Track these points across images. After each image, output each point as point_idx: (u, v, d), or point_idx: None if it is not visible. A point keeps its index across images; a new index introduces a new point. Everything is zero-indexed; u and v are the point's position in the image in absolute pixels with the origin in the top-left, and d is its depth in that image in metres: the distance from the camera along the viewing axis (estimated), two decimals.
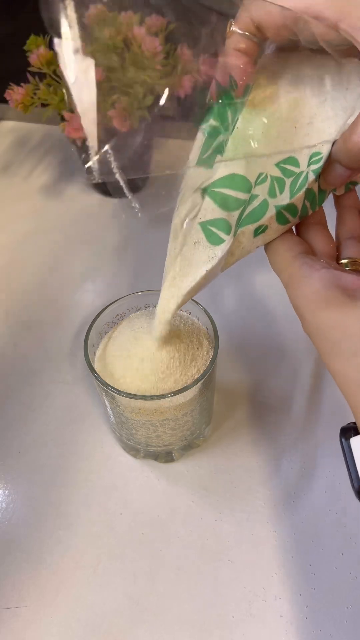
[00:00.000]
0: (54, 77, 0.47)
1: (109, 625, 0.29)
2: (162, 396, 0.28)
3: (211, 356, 0.31)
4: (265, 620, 0.29)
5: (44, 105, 0.47)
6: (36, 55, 0.46)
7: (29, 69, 0.46)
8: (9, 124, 0.66)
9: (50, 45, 0.46)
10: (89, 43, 0.46)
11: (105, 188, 0.55)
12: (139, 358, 0.30)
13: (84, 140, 0.47)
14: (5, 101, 0.48)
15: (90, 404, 0.38)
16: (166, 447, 0.34)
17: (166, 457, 0.35)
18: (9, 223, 0.53)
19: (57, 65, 0.46)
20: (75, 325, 0.43)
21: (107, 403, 0.32)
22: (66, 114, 0.45)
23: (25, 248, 0.51)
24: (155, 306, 0.28)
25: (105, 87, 0.46)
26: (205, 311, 0.32)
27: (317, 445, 0.36)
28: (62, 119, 0.47)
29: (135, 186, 0.55)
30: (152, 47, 0.44)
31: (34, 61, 0.46)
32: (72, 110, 0.46)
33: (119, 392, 0.28)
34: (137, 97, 0.46)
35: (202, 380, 0.29)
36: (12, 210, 0.55)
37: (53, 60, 0.46)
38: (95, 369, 0.30)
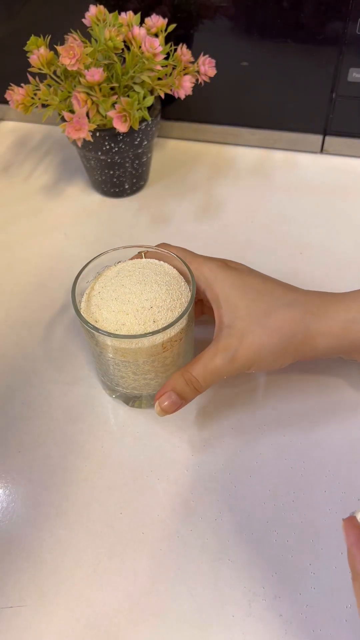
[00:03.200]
0: (54, 77, 0.47)
1: (109, 624, 0.29)
2: (150, 333, 0.31)
3: (187, 305, 0.33)
4: (265, 619, 0.29)
5: (44, 105, 0.48)
6: (36, 55, 0.46)
7: (29, 69, 0.46)
8: (9, 125, 0.66)
9: (51, 46, 0.46)
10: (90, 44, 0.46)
11: (106, 188, 0.55)
12: (124, 302, 0.33)
13: (84, 140, 0.47)
14: (5, 102, 0.49)
15: (90, 404, 0.38)
16: (133, 389, 0.37)
17: (135, 400, 0.38)
18: (9, 223, 0.53)
19: (58, 66, 0.47)
20: (75, 326, 0.43)
21: (94, 350, 0.35)
22: (66, 115, 0.45)
23: (25, 248, 0.51)
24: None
25: (105, 88, 0.46)
26: (183, 261, 0.35)
27: (318, 445, 0.36)
28: (63, 119, 0.47)
29: (137, 186, 0.55)
30: (152, 47, 0.44)
31: (34, 61, 0.46)
32: (72, 110, 0.46)
33: (108, 333, 0.31)
34: (137, 98, 0.46)
35: (185, 316, 0.32)
36: (12, 210, 0.55)
37: (53, 60, 0.46)
38: (82, 314, 0.33)
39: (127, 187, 0.55)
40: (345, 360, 0.38)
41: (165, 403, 0.33)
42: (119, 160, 0.51)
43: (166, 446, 0.36)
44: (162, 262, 0.37)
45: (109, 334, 0.31)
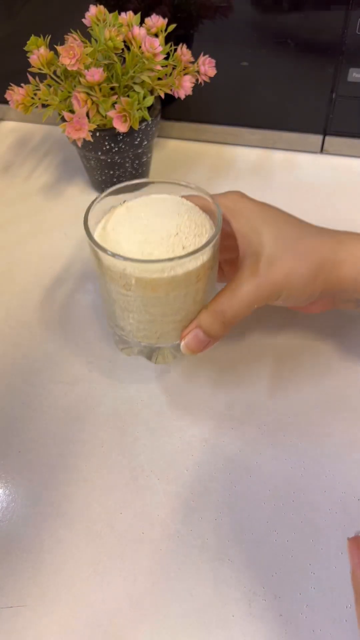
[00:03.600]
0: (54, 77, 0.47)
1: (109, 624, 0.29)
2: (170, 259, 0.28)
3: (217, 224, 0.31)
4: (265, 619, 0.29)
5: (44, 105, 0.48)
6: (36, 55, 0.46)
7: (30, 69, 0.46)
8: (9, 125, 0.66)
9: (51, 46, 0.46)
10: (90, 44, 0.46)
11: (106, 188, 0.55)
12: (146, 232, 0.30)
13: (84, 140, 0.47)
14: (5, 102, 0.49)
15: (90, 404, 0.38)
16: (159, 339, 0.34)
17: (159, 354, 0.35)
18: (9, 223, 0.53)
19: (58, 66, 0.47)
20: (75, 325, 0.43)
21: (116, 296, 0.31)
22: (66, 115, 0.45)
23: (25, 248, 0.51)
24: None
25: (105, 88, 0.46)
26: (202, 190, 0.33)
27: (318, 444, 0.36)
28: (63, 119, 0.47)
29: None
30: (152, 47, 0.44)
31: (34, 61, 0.46)
32: (72, 110, 0.46)
33: (140, 260, 0.28)
34: (137, 98, 0.46)
35: (211, 244, 0.29)
36: (12, 211, 0.55)
37: (53, 60, 0.46)
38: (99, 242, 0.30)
39: None
40: (346, 360, 0.38)
41: (191, 341, 0.32)
42: (119, 160, 0.51)
43: (166, 446, 0.36)
44: (173, 195, 0.34)
45: (140, 261, 0.28)
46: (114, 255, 0.29)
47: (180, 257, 0.28)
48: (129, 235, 0.30)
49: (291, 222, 0.33)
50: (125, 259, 0.28)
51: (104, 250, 0.29)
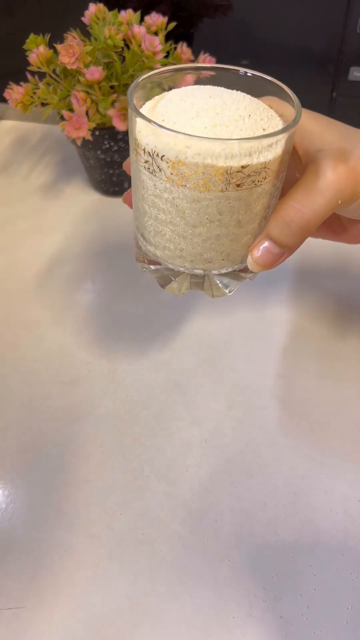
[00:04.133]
0: (53, 76, 0.47)
1: (109, 626, 0.29)
2: (266, 136, 0.22)
3: (297, 108, 0.25)
4: (266, 621, 0.29)
5: (43, 104, 0.47)
6: (36, 54, 0.45)
7: (29, 68, 0.46)
8: (8, 124, 0.66)
9: (50, 44, 0.46)
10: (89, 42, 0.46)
11: (105, 187, 0.55)
12: (211, 116, 0.23)
13: (83, 139, 0.47)
14: (4, 100, 0.48)
15: (90, 404, 0.38)
16: (224, 260, 0.27)
17: (215, 284, 0.28)
18: (9, 223, 0.53)
19: (57, 65, 0.46)
20: (75, 326, 0.43)
21: (171, 193, 0.24)
22: (66, 113, 0.45)
23: (25, 248, 0.50)
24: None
25: (104, 87, 0.46)
26: (271, 80, 0.27)
27: (318, 445, 0.36)
28: (62, 118, 0.47)
29: None
30: (152, 46, 0.44)
31: (33, 60, 0.46)
32: (71, 109, 0.46)
33: (215, 138, 0.22)
34: None
35: (290, 130, 0.23)
36: (11, 210, 0.55)
37: (53, 59, 0.46)
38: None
39: (126, 186, 0.55)
40: (348, 360, 0.37)
41: (262, 255, 0.26)
42: (118, 159, 0.51)
43: (166, 447, 0.36)
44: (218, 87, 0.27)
45: (226, 140, 0.22)
46: (193, 137, 0.22)
47: (272, 135, 0.22)
48: (193, 123, 0.23)
49: (353, 129, 0.28)
50: (210, 139, 0.22)
51: (179, 132, 0.22)
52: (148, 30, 0.47)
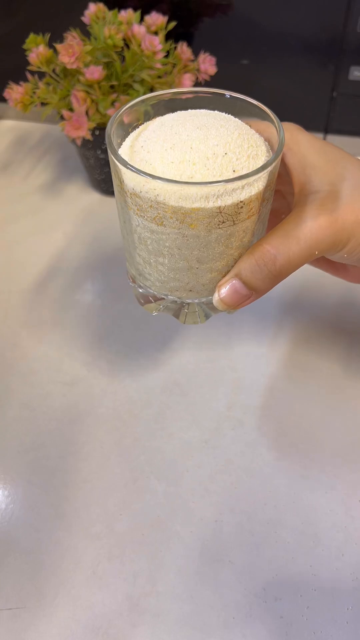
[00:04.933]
0: (53, 75, 0.47)
1: (109, 626, 0.29)
2: (217, 182, 0.22)
3: (278, 147, 0.24)
4: (266, 621, 0.29)
5: (43, 104, 0.47)
6: (35, 53, 0.45)
7: (29, 67, 0.46)
8: (8, 123, 0.66)
9: (50, 44, 0.46)
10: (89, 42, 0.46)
11: (105, 187, 0.55)
12: (185, 150, 0.24)
13: (83, 139, 0.47)
14: (4, 100, 0.48)
15: (90, 404, 0.38)
16: (191, 292, 0.27)
17: (189, 312, 0.29)
18: (9, 222, 0.53)
19: (57, 64, 0.46)
20: (75, 326, 0.43)
21: (141, 232, 0.25)
22: (65, 113, 0.45)
23: (24, 248, 0.50)
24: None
25: (104, 86, 0.46)
26: (258, 106, 0.27)
27: (318, 445, 0.36)
28: (62, 117, 0.47)
29: None
30: (152, 45, 0.44)
31: (33, 60, 0.46)
32: (71, 109, 0.46)
33: (175, 181, 0.22)
34: (137, 96, 0.46)
35: (269, 168, 0.23)
36: (11, 210, 0.54)
37: (52, 58, 0.46)
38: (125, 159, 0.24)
39: None
40: (349, 360, 0.37)
41: (228, 294, 0.25)
42: None
43: (166, 447, 0.36)
44: (217, 111, 0.27)
45: (181, 182, 0.22)
46: (145, 174, 0.22)
47: (230, 180, 0.22)
48: (163, 154, 0.24)
49: (356, 163, 0.27)
50: (160, 179, 0.22)
51: (133, 169, 0.23)
52: (148, 30, 0.47)
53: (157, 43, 0.44)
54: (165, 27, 0.47)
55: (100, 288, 0.46)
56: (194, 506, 0.33)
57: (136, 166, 0.23)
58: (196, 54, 0.49)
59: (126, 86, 0.47)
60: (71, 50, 0.43)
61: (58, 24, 0.49)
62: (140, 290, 0.29)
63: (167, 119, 0.26)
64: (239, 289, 0.25)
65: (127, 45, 0.46)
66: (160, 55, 0.45)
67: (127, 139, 0.27)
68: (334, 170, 0.26)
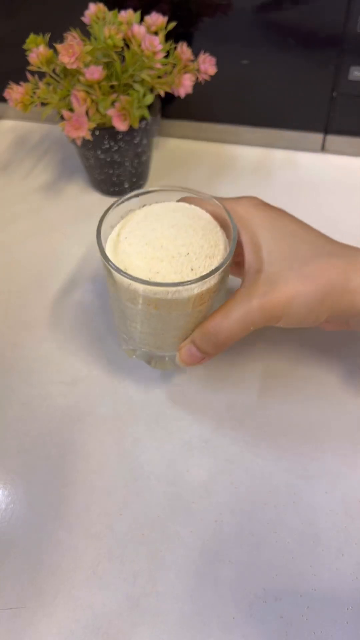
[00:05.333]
0: (53, 76, 0.47)
1: (109, 626, 0.29)
2: (174, 284, 0.28)
3: (229, 250, 0.30)
4: (266, 621, 0.29)
5: (43, 104, 0.47)
6: (36, 54, 0.45)
7: (29, 67, 0.46)
8: (8, 123, 0.66)
9: (50, 44, 0.46)
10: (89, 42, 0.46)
11: (105, 187, 0.55)
12: (157, 248, 0.30)
13: (83, 139, 0.47)
14: (4, 100, 0.48)
15: (90, 404, 0.38)
16: (159, 348, 0.34)
17: (158, 361, 0.36)
18: (8, 222, 0.53)
19: (57, 64, 0.46)
20: (75, 325, 0.43)
21: (120, 303, 0.32)
22: (66, 113, 0.45)
23: (24, 247, 0.50)
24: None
25: (104, 86, 0.46)
26: (221, 204, 0.32)
27: (318, 445, 0.36)
28: (62, 118, 0.47)
29: (136, 185, 0.55)
30: (152, 45, 0.44)
31: (33, 60, 0.46)
32: (71, 109, 0.46)
33: (143, 281, 0.28)
34: (137, 96, 0.46)
35: (219, 270, 0.29)
36: (11, 210, 0.54)
37: (53, 59, 0.46)
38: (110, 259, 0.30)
39: (126, 186, 0.54)
40: (348, 359, 0.37)
41: (185, 355, 0.31)
42: (118, 159, 0.51)
43: (166, 447, 0.36)
44: (193, 205, 0.33)
45: (145, 282, 0.28)
46: (120, 272, 0.29)
47: (183, 284, 0.28)
48: (139, 249, 0.30)
49: (304, 238, 0.30)
50: (131, 277, 0.28)
51: (112, 266, 0.29)
52: (148, 30, 0.47)
53: (157, 43, 0.44)
54: (165, 27, 0.47)
55: (100, 288, 0.46)
56: (194, 506, 0.33)
57: (118, 255, 0.30)
58: (196, 54, 0.49)
59: (126, 86, 0.47)
60: (71, 50, 0.43)
61: (58, 24, 0.49)
62: (121, 339, 0.36)
63: (150, 213, 0.32)
64: (194, 352, 0.31)
65: (127, 46, 0.46)
66: (161, 56, 0.45)
67: (116, 227, 0.33)
68: (278, 249, 0.30)
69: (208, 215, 0.33)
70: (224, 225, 0.32)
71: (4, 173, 0.59)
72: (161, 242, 0.30)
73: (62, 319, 0.44)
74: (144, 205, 0.33)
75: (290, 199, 0.54)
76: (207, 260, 0.30)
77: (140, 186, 0.56)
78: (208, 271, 0.29)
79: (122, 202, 0.33)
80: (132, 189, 0.55)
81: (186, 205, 0.33)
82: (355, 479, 0.34)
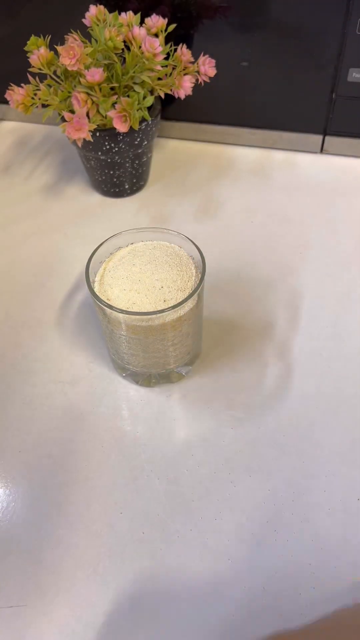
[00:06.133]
0: (54, 77, 0.47)
1: (109, 625, 0.29)
2: (159, 312, 0.32)
3: (198, 284, 0.34)
4: (266, 620, 0.29)
5: (44, 105, 0.48)
6: (37, 55, 0.46)
7: (30, 69, 0.46)
8: (9, 125, 0.66)
9: (51, 46, 0.46)
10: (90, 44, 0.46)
11: (106, 188, 0.55)
12: (135, 281, 0.34)
13: (84, 140, 0.47)
14: (5, 102, 0.49)
15: (90, 404, 0.38)
16: (142, 367, 0.38)
17: (143, 379, 0.39)
18: (10, 223, 0.53)
19: (58, 66, 0.47)
20: (75, 325, 0.44)
21: (107, 328, 0.36)
22: (66, 115, 0.45)
23: (25, 248, 0.51)
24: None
25: (105, 88, 0.46)
26: (194, 243, 0.36)
27: (318, 444, 0.36)
28: (63, 119, 0.47)
29: (137, 186, 0.55)
30: (152, 47, 0.44)
31: (34, 62, 0.46)
32: (72, 110, 0.46)
33: (121, 310, 0.32)
34: (137, 98, 0.46)
35: (194, 296, 0.33)
36: (12, 211, 0.55)
37: (53, 60, 0.46)
38: (96, 292, 0.34)
39: (127, 187, 0.55)
40: (347, 359, 0.37)
41: None
42: (119, 160, 0.51)
43: (166, 446, 0.36)
44: (173, 244, 0.37)
45: (122, 311, 0.32)
46: (101, 302, 0.33)
47: (156, 313, 0.32)
48: (120, 282, 0.34)
49: None
50: (110, 307, 0.32)
51: (97, 298, 0.33)
52: (148, 32, 0.47)
53: (157, 45, 0.44)
54: (166, 29, 0.48)
55: None
56: (194, 505, 0.33)
57: (103, 287, 0.35)
58: (196, 56, 0.49)
59: (127, 88, 0.48)
60: (72, 52, 0.43)
61: (59, 26, 0.49)
62: (113, 362, 0.41)
63: (133, 250, 0.37)
64: None
65: (128, 47, 0.46)
66: (161, 57, 0.45)
67: (106, 260, 0.37)
68: None
69: (185, 254, 0.37)
70: (199, 264, 0.36)
71: (5, 174, 0.59)
72: (139, 276, 0.35)
73: (63, 319, 0.44)
74: (131, 243, 0.38)
75: (290, 199, 0.55)
76: (179, 292, 0.34)
77: (140, 187, 0.56)
78: (178, 302, 0.33)
79: (105, 242, 0.36)
80: (132, 189, 0.55)
81: (167, 244, 0.37)
82: (355, 478, 0.34)
